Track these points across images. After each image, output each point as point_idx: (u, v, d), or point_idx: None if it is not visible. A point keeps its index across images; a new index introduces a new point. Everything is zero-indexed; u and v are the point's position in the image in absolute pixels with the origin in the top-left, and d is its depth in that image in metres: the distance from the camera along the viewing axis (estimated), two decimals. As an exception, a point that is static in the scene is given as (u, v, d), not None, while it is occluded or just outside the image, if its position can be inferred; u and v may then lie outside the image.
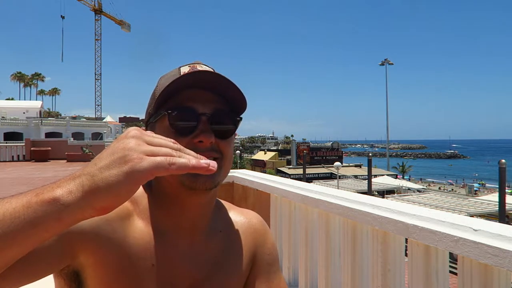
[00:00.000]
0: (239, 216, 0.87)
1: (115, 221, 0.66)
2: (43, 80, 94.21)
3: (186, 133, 0.68)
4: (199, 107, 0.69)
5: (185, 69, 0.72)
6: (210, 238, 0.77)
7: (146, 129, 0.75)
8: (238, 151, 49.84)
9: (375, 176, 32.19)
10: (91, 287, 0.64)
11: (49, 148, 20.51)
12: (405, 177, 50.15)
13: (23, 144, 21.27)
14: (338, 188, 6.87)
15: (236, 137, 0.87)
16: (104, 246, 0.64)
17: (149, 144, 0.48)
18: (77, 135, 44.87)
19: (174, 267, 0.71)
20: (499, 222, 5.81)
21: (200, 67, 0.72)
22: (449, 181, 58.54)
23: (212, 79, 0.68)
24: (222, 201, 0.88)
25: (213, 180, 0.69)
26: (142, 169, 0.45)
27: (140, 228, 0.69)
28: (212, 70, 0.72)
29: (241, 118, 0.74)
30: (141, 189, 0.74)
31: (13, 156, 20.51)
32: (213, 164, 0.50)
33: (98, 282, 0.64)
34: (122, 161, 0.45)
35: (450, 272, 1.62)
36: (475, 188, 45.01)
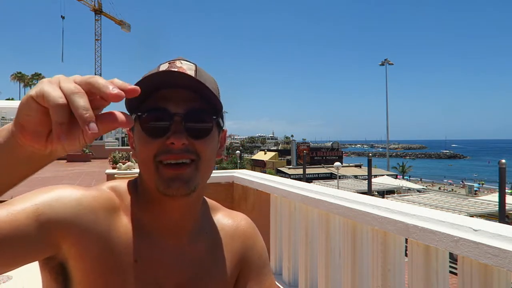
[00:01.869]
0: (227, 219, 0.85)
1: (99, 211, 0.66)
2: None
3: (159, 135, 0.66)
4: (172, 107, 0.67)
5: (164, 67, 0.69)
6: (196, 239, 0.76)
7: (129, 130, 0.74)
8: (238, 151, 49.81)
9: (375, 176, 32.18)
10: (75, 280, 0.63)
11: (49, 148, 20.47)
12: (405, 177, 50.17)
13: (23, 144, 21.24)
14: (338, 188, 6.87)
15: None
16: (87, 236, 0.64)
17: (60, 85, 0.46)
18: (77, 135, 44.78)
19: (159, 266, 0.70)
20: (499, 222, 5.82)
21: (179, 63, 0.70)
22: (449, 181, 58.56)
23: (183, 79, 0.66)
24: (212, 202, 0.86)
25: (188, 186, 0.67)
26: (33, 91, 0.45)
27: (124, 223, 0.69)
28: (192, 66, 0.70)
29: (218, 116, 0.71)
30: (125, 186, 0.75)
31: (13, 156, 20.50)
32: (93, 127, 0.42)
33: (81, 274, 0.63)
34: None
35: (450, 272, 1.63)
36: (475, 188, 45.01)
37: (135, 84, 0.64)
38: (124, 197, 0.72)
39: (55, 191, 0.64)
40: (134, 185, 0.75)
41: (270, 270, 0.89)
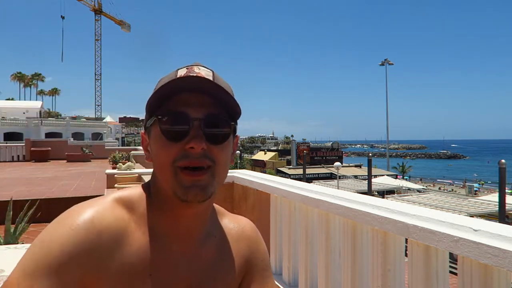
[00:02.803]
0: (232, 223, 0.86)
1: (110, 247, 0.64)
2: (43, 80, 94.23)
3: (178, 139, 0.67)
4: (192, 111, 0.67)
5: (182, 72, 0.70)
6: (204, 244, 0.77)
7: (145, 133, 0.75)
8: (238, 151, 49.81)
9: (375, 176, 32.18)
10: None
11: (49, 148, 20.48)
12: (405, 177, 50.16)
13: (23, 144, 21.23)
14: (338, 188, 6.87)
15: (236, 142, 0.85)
16: (103, 275, 0.63)
17: None
18: (77, 135, 44.87)
19: (168, 274, 0.70)
20: (499, 222, 5.82)
21: (197, 69, 0.70)
22: (449, 181, 58.56)
23: (203, 84, 0.67)
24: (217, 207, 0.87)
25: (205, 192, 0.67)
26: None
27: (137, 238, 0.68)
28: (210, 72, 0.71)
29: (236, 123, 0.72)
30: (140, 192, 0.74)
31: (13, 157, 20.49)
32: None
33: None
34: None
35: (450, 272, 1.63)
36: (475, 188, 45.02)
37: (157, 90, 0.67)
38: (136, 207, 0.71)
39: (53, 248, 0.61)
40: (147, 191, 0.74)
41: (271, 273, 0.90)
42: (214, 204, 0.86)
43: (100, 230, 0.64)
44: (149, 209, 0.72)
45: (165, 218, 0.71)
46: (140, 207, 0.71)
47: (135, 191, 0.74)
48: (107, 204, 0.69)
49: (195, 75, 0.68)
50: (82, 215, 0.64)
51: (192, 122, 0.67)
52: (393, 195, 25.68)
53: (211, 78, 0.69)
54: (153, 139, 0.70)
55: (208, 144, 0.67)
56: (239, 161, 43.71)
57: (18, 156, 20.72)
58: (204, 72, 0.70)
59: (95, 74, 72.53)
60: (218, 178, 0.70)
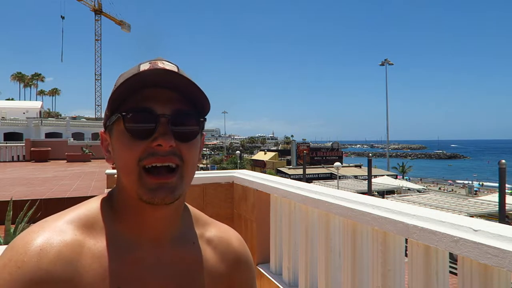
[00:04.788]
0: (216, 231, 0.81)
1: (64, 274, 0.59)
2: (43, 81, 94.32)
3: (144, 137, 0.63)
4: (158, 107, 0.63)
5: (145, 66, 0.65)
6: (180, 248, 0.72)
7: (105, 133, 0.70)
8: (238, 151, 49.80)
9: (375, 176, 32.19)
10: None
11: (49, 149, 20.49)
12: (405, 178, 50.17)
13: (23, 144, 21.25)
14: (338, 189, 6.87)
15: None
16: None
17: None
18: (77, 135, 44.91)
19: (142, 284, 0.66)
20: (499, 222, 5.80)
21: (161, 64, 0.66)
22: (449, 181, 58.59)
23: (170, 77, 0.63)
24: (196, 211, 0.82)
25: (173, 195, 0.64)
26: None
27: (97, 254, 0.63)
28: (175, 66, 0.67)
29: (205, 119, 0.69)
30: (96, 206, 0.69)
31: (13, 157, 20.50)
32: None
33: None
34: None
35: (450, 272, 1.63)
36: (475, 189, 45.03)
37: (120, 84, 0.62)
38: (93, 220, 0.67)
39: None
40: (108, 201, 0.71)
41: None
42: (194, 210, 0.82)
43: (51, 261, 0.59)
44: (110, 220, 0.68)
45: (131, 226, 0.68)
46: (99, 222, 0.67)
47: (91, 206, 0.69)
48: (57, 228, 0.63)
49: (161, 67, 0.64)
50: (29, 247, 0.59)
51: (158, 119, 0.63)
52: (393, 195, 25.67)
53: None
54: (115, 138, 0.66)
55: (177, 142, 0.64)
56: (239, 161, 43.70)
57: (18, 156, 20.72)
58: (168, 67, 0.66)
59: (95, 74, 72.56)
60: (186, 179, 0.67)
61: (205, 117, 0.70)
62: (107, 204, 0.70)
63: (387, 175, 36.92)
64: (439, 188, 48.38)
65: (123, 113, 0.63)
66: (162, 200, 0.63)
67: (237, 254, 0.81)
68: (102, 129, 0.71)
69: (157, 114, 0.63)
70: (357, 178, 36.36)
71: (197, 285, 0.72)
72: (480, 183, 54.06)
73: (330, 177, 40.07)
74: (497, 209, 14.40)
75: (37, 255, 0.58)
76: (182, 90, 0.65)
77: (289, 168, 47.88)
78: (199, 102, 0.67)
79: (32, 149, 20.20)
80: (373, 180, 27.29)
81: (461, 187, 50.78)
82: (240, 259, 0.81)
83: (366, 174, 28.24)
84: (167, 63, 0.67)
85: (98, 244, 0.64)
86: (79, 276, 0.60)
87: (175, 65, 0.68)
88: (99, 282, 0.61)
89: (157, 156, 0.63)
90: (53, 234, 0.62)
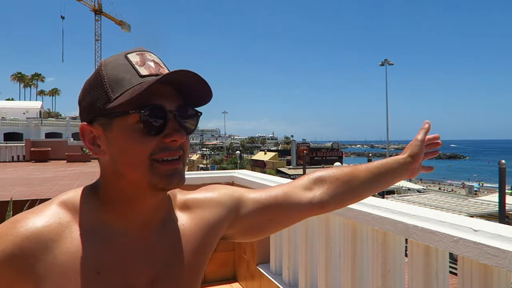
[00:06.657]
0: (193, 194, 0.85)
1: (38, 251, 0.63)
2: (43, 81, 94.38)
3: (156, 133, 0.66)
4: (166, 104, 0.67)
5: (135, 58, 0.68)
6: (165, 230, 0.76)
7: (89, 125, 0.69)
8: (238, 152, 49.83)
9: (375, 176, 32.09)
10: None
11: (49, 149, 20.49)
12: (405, 178, 50.04)
13: (23, 144, 21.24)
14: (338, 189, 6.84)
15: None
16: (33, 278, 0.62)
17: None
18: (77, 136, 44.70)
19: (129, 268, 0.68)
20: (499, 222, 5.82)
21: (149, 56, 0.70)
22: (449, 181, 58.62)
23: (196, 80, 0.67)
24: (170, 192, 0.83)
25: (184, 178, 0.70)
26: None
27: (77, 238, 0.66)
28: (159, 59, 0.72)
29: (201, 113, 0.73)
30: (83, 193, 0.72)
31: (13, 157, 20.50)
32: None
33: None
34: None
35: (450, 272, 1.63)
36: (475, 189, 45.03)
37: (147, 87, 0.63)
38: (78, 208, 0.69)
39: None
40: (92, 190, 0.73)
41: (246, 191, 0.92)
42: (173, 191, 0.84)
43: (27, 238, 0.62)
44: (94, 208, 0.70)
45: (119, 214, 0.70)
46: (84, 208, 0.69)
47: (77, 192, 0.72)
48: (46, 209, 0.68)
49: (152, 61, 0.69)
50: (15, 225, 0.64)
51: (168, 115, 0.67)
52: (393, 195, 25.68)
53: (163, 65, 0.71)
54: (119, 133, 0.66)
55: None
56: (239, 161, 43.71)
57: (18, 156, 20.73)
58: (157, 60, 0.71)
59: (95, 74, 72.18)
60: (185, 165, 0.72)
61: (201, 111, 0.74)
62: (92, 194, 0.72)
63: (387, 175, 36.85)
64: (439, 188, 48.42)
65: (142, 111, 0.64)
66: (177, 184, 0.68)
67: (210, 199, 0.85)
68: (83, 123, 0.71)
69: (168, 111, 0.67)
70: (357, 178, 36.29)
71: (184, 261, 0.75)
72: (480, 183, 54.09)
73: (330, 177, 39.98)
74: (497, 209, 14.40)
75: (16, 231, 0.63)
76: (182, 86, 0.69)
77: (289, 168, 47.89)
78: (197, 97, 0.72)
79: (32, 149, 20.20)
80: (373, 180, 27.19)
81: (461, 187, 50.79)
82: (211, 200, 0.85)
83: (366, 174, 28.17)
84: (153, 55, 0.72)
85: (81, 229, 0.67)
86: (52, 256, 0.63)
87: (158, 56, 0.73)
88: (76, 265, 0.64)
89: (170, 151, 0.67)
90: (39, 215, 0.66)
